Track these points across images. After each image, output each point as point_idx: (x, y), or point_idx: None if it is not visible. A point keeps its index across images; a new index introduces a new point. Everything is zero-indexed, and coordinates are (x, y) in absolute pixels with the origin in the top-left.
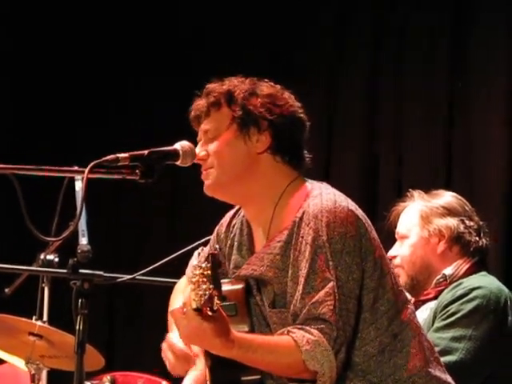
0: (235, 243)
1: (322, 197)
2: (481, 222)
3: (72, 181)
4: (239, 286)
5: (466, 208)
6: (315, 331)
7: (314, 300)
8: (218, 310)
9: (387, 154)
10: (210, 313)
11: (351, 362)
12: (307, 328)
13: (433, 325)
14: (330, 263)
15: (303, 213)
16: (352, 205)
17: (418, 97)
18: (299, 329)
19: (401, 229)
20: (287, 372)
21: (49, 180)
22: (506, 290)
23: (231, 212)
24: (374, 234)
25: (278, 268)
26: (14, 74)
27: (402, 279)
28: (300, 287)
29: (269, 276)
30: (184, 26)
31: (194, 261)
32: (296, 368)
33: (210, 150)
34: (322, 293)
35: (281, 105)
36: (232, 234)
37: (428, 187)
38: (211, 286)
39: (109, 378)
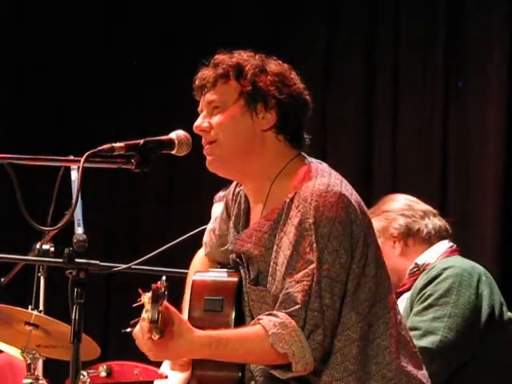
0: (232, 217)
1: (316, 180)
2: (425, 207)
3: (68, 170)
4: (233, 279)
5: (405, 202)
6: (282, 314)
7: (292, 279)
8: (159, 338)
9: (381, 153)
10: (154, 339)
11: (334, 347)
12: (274, 312)
13: (409, 313)
14: (314, 245)
15: (295, 194)
16: (346, 190)
17: (413, 87)
18: (267, 315)
19: None
20: (262, 360)
21: (44, 170)
22: (480, 267)
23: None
24: (367, 220)
25: (263, 246)
26: (13, 65)
27: None
28: (282, 269)
29: (254, 253)
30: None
31: (209, 226)
32: (269, 354)
33: (214, 122)
34: (301, 273)
35: (290, 85)
36: (236, 204)
37: (422, 175)
38: (150, 319)
39: (105, 367)
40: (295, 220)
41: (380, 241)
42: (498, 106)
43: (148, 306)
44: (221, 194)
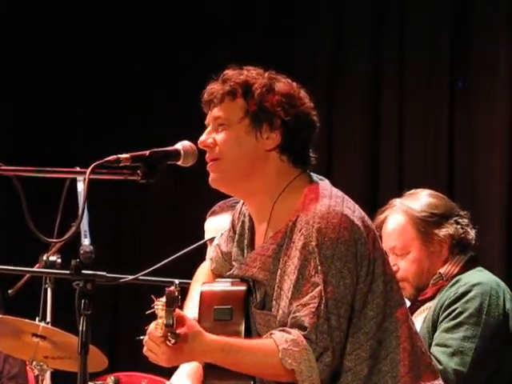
0: (236, 235)
1: (317, 202)
2: (464, 212)
3: (74, 182)
4: (241, 288)
5: (451, 204)
6: (295, 331)
7: (298, 303)
8: (175, 343)
9: (388, 158)
10: (169, 344)
11: (343, 367)
12: (287, 329)
13: (433, 324)
14: (319, 268)
15: (297, 217)
16: (348, 208)
17: (418, 95)
18: (280, 330)
19: (398, 245)
20: (269, 374)
21: (51, 181)
22: (502, 283)
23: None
24: (371, 234)
25: (268, 270)
26: (15, 74)
27: (408, 292)
28: (289, 294)
29: (259, 278)
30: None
31: (215, 241)
32: (277, 369)
33: (219, 139)
34: (307, 296)
35: (297, 106)
36: (240, 222)
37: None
38: (165, 323)
39: (112, 378)
40: (299, 244)
41: (416, 243)
42: (504, 107)
43: (162, 313)
44: (215, 208)
